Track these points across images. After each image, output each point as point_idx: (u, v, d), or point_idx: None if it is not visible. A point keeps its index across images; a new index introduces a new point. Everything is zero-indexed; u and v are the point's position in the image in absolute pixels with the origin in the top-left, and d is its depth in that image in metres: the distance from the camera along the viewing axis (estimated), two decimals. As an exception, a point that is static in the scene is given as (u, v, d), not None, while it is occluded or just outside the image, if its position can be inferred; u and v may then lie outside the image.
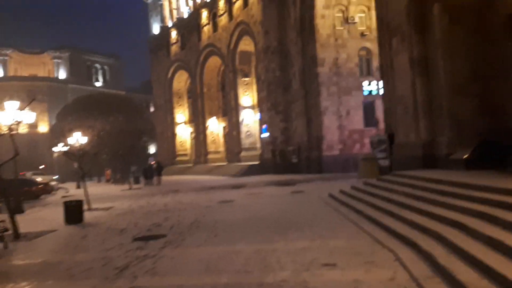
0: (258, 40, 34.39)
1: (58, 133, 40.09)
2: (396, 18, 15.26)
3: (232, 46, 39.17)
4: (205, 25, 43.85)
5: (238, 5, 37.77)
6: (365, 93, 30.26)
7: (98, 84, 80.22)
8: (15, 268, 7.53)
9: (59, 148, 38.17)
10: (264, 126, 33.89)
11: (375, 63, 30.08)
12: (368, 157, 17.86)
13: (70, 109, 42.72)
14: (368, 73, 30.94)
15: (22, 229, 11.59)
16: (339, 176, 23.42)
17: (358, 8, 30.73)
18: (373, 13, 28.78)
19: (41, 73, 74.81)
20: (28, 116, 17.69)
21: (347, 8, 30.34)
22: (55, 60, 76.50)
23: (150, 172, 34.91)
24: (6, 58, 73.64)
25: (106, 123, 34.93)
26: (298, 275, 5.91)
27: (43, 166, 56.29)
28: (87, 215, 14.18)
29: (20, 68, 73.88)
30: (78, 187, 34.59)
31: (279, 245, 7.75)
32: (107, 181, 40.69)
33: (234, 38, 38.73)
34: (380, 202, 10.50)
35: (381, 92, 24.69)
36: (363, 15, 31.08)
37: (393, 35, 15.59)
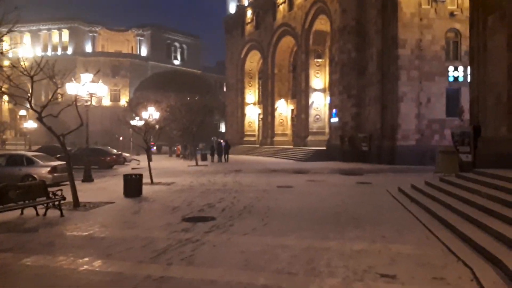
0: (335, 19, 32.60)
1: (134, 107, 41.93)
2: (496, -8, 13.10)
3: (307, 25, 37.73)
4: (281, 4, 42.75)
5: (315, -18, 36.07)
6: (450, 79, 27.44)
7: (176, 62, 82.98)
8: (61, 239, 7.52)
9: (135, 122, 39.97)
10: (334, 111, 32.38)
11: (464, 46, 27.04)
12: (448, 150, 15.93)
13: (146, 85, 44.41)
14: (455, 58, 27.97)
15: (85, 198, 11.95)
16: (412, 169, 21.58)
17: (449, -16, 27.61)
18: (467, -11, 25.95)
19: (125, 49, 79.04)
20: (100, 89, 18.36)
21: (436, -16, 27.37)
22: (138, 38, 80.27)
23: (219, 150, 35.39)
24: (95, 35, 78.77)
25: (177, 99, 35.76)
26: (348, 286, 5.04)
27: (121, 138, 59.71)
28: (148, 189, 14.33)
29: (106, 44, 78.70)
30: (149, 160, 36.03)
31: (333, 244, 6.88)
32: (177, 156, 42.00)
33: (310, 17, 37.23)
34: (458, 204, 9.08)
35: (469, 79, 22.12)
36: (454, -8, 27.95)
37: (490, 12, 13.44)
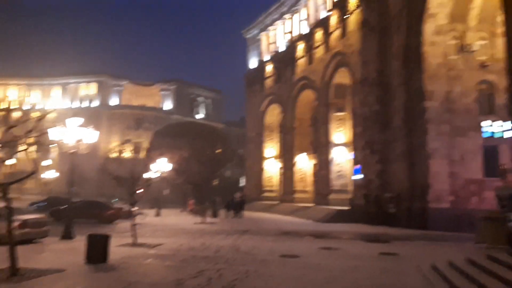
0: (355, 71, 30.89)
1: (150, 158, 40.56)
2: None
3: (327, 78, 36.21)
4: (300, 58, 41.84)
5: (335, 35, 34.99)
6: (486, 135, 24.58)
7: (200, 116, 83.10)
8: None
9: (148, 174, 38.31)
10: (357, 167, 29.66)
11: (500, 99, 24.49)
12: (493, 216, 12.97)
13: (161, 135, 43.33)
14: (490, 111, 25.26)
15: (39, 262, 9.82)
16: (448, 237, 18.40)
17: (478, 34, 25.52)
18: (498, 40, 23.81)
19: (150, 103, 79.94)
20: (90, 135, 16.78)
21: (463, 34, 25.37)
22: (163, 92, 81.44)
23: (233, 206, 33.31)
24: (121, 88, 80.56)
25: (190, 151, 34.16)
26: None
27: (141, 190, 58.01)
28: (123, 253, 11.98)
29: (131, 98, 80.00)
30: (157, 214, 33.83)
31: None
32: (190, 211, 39.58)
33: (330, 70, 35.79)
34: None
35: (509, 134, 19.36)
36: (484, 42, 25.86)
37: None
